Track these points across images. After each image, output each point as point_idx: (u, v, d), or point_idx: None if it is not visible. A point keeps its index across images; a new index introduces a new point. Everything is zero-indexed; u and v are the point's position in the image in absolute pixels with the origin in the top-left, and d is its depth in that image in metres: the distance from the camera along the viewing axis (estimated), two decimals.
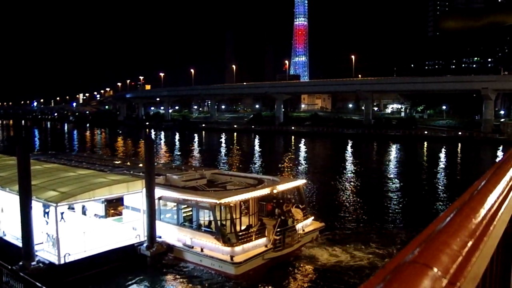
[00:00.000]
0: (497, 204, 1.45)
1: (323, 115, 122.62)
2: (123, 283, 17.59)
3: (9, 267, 14.51)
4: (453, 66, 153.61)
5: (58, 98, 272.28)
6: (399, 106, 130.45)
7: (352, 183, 40.70)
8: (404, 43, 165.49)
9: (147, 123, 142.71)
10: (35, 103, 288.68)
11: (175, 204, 20.78)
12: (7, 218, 20.71)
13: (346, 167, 52.58)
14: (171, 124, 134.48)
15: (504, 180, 1.78)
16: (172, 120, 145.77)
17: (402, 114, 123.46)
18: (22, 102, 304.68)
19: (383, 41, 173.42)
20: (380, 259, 19.33)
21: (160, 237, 19.99)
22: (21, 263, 16.65)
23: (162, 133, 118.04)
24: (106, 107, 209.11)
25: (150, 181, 19.51)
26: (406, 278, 0.82)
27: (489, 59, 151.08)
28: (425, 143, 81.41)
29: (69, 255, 17.52)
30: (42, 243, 18.14)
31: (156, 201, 20.24)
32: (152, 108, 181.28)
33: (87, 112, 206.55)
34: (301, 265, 19.38)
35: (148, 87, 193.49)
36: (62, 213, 21.43)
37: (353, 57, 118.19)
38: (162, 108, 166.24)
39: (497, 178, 1.78)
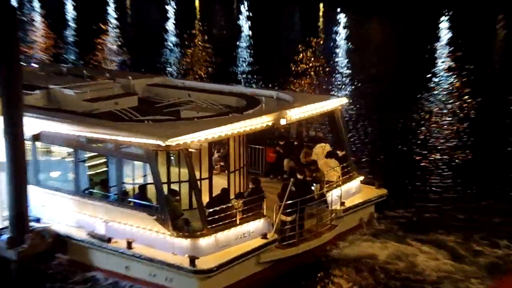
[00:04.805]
0: None
1: None
2: None
3: None
4: None
5: None
6: None
7: (439, 111, 39.58)
8: None
9: None
10: None
11: (71, 150, 19.98)
12: None
13: (430, 76, 51.02)
14: None
15: None
16: None
17: None
18: None
19: None
20: (489, 265, 19.36)
21: (38, 220, 19.50)
22: None
23: None
24: None
25: (13, 102, 18.38)
26: None
27: None
28: None
29: None
30: None
31: (29, 144, 19.61)
32: None
33: None
34: (336, 276, 19.26)
35: None
36: None
37: None
38: None
39: None
